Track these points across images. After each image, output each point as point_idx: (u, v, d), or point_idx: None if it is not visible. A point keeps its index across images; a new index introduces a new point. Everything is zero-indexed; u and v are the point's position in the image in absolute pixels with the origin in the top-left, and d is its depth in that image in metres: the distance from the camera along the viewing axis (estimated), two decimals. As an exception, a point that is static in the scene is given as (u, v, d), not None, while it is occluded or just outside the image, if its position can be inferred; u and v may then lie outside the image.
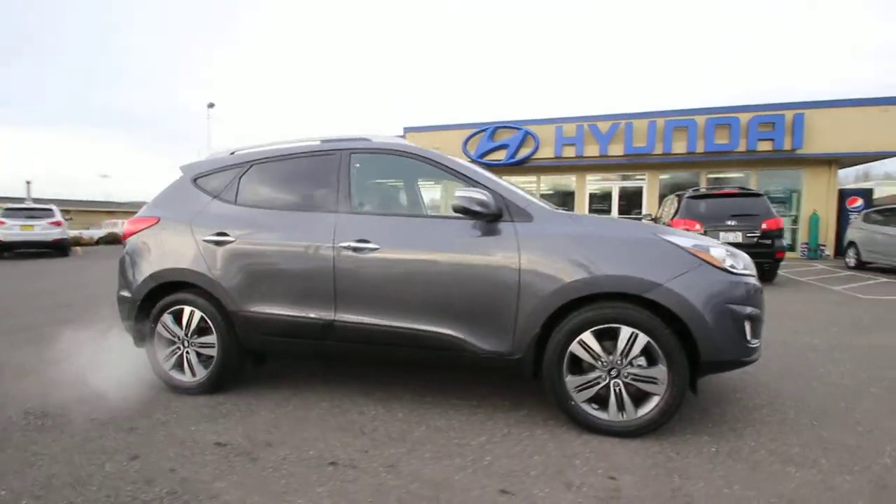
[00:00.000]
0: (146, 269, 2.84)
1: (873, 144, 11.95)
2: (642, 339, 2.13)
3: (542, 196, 14.51)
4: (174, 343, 2.79)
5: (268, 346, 2.73)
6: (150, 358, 2.84)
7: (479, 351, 2.33)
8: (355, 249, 2.49)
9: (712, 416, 2.43)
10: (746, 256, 2.35)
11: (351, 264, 2.50)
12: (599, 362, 2.19)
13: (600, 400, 2.22)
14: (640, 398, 2.19)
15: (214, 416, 2.45)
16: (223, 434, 2.25)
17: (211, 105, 28.53)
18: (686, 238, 2.26)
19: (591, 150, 13.97)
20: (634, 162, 13.83)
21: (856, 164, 15.30)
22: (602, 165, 14.35)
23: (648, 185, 14.58)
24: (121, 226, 22.34)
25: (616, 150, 13.72)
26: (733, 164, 13.34)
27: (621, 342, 2.16)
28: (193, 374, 2.76)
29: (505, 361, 2.32)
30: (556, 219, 2.36)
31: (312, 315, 2.56)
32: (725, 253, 2.22)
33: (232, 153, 3.09)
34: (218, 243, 2.72)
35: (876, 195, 16.10)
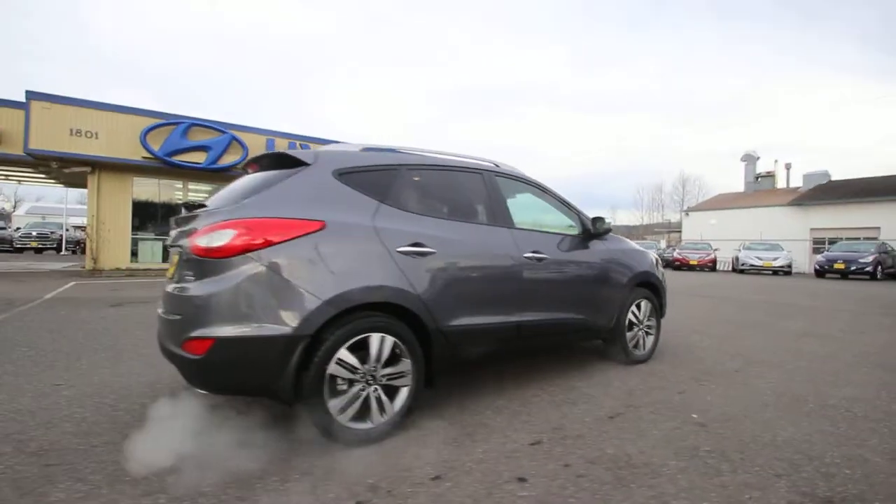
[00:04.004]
0: (321, 290, 2.06)
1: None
2: (648, 304, 3.84)
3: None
4: (355, 383, 2.18)
5: (460, 360, 2.62)
6: (318, 414, 2.07)
7: (595, 327, 3.38)
8: (532, 259, 2.94)
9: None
10: None
11: (530, 272, 2.93)
12: (638, 322, 3.73)
13: (636, 345, 3.75)
14: (645, 340, 3.87)
15: (458, 456, 2.29)
16: (521, 463, 2.29)
17: None
18: (647, 249, 4.15)
19: (302, 169, 14.41)
20: (340, 185, 15.29)
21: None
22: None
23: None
24: None
25: (325, 171, 14.78)
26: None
27: (644, 309, 3.79)
28: (383, 414, 2.26)
29: (604, 331, 3.47)
30: (614, 238, 3.70)
31: (506, 319, 2.78)
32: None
33: (364, 149, 2.59)
34: (416, 255, 2.40)
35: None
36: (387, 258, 2.30)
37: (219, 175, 13.45)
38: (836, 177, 30.35)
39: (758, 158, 37.75)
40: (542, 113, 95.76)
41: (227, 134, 13.18)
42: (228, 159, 13.21)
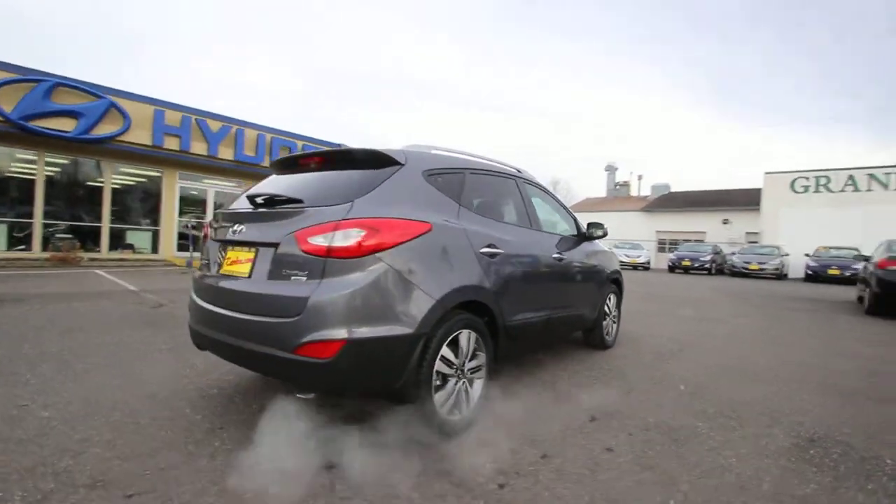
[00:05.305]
0: (434, 289, 2.12)
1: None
2: (615, 297, 4.50)
3: (117, 191, 11.84)
4: (450, 378, 2.30)
5: (512, 354, 2.84)
6: (427, 410, 2.15)
7: (587, 319, 3.88)
8: (556, 259, 3.30)
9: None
10: None
11: (556, 271, 3.28)
12: (609, 313, 4.35)
13: (607, 333, 4.37)
14: (612, 328, 4.53)
15: (543, 437, 2.56)
16: (596, 437, 2.62)
17: None
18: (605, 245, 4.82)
19: (199, 148, 12.86)
20: (243, 169, 13.98)
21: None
22: (209, 167, 13.42)
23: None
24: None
25: (227, 153, 13.38)
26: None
27: (613, 301, 4.43)
28: (468, 406, 2.41)
29: (591, 322, 4.00)
30: (594, 241, 4.23)
31: (543, 314, 3.09)
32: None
33: (434, 151, 2.65)
34: (490, 256, 2.56)
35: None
36: (473, 259, 2.43)
37: (91, 147, 11.36)
38: (674, 189, 36.77)
39: (617, 169, 43.90)
40: (425, 107, 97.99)
41: (105, 99, 11.17)
42: (105, 129, 11.24)
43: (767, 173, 22.72)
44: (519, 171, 3.48)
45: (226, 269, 2.32)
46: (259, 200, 2.28)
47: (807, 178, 21.31)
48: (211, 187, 14.31)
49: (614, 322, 4.51)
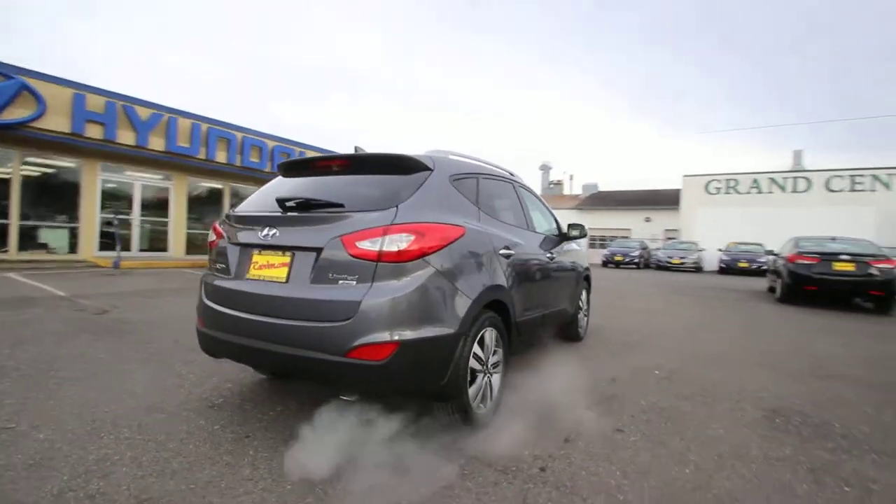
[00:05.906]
0: (471, 290, 2.24)
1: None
2: (586, 292, 4.87)
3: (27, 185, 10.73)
4: (478, 374, 2.43)
5: (517, 349, 3.01)
6: (464, 405, 2.27)
7: (568, 314, 4.18)
8: (549, 258, 3.53)
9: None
10: None
11: (549, 269, 3.51)
12: (581, 307, 4.69)
13: (580, 326, 4.70)
14: (584, 321, 4.89)
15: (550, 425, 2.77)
16: (603, 420, 2.86)
17: None
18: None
19: (127, 137, 11.73)
20: (177, 161, 12.95)
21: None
22: (138, 158, 12.26)
23: (176, 187, 13.96)
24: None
25: (157, 143, 12.33)
26: (259, 180, 15.55)
27: (585, 296, 4.79)
28: (492, 398, 2.56)
29: (570, 316, 4.30)
30: (571, 240, 4.54)
31: (542, 312, 3.30)
32: None
33: (451, 157, 2.74)
34: (505, 257, 2.71)
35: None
36: (496, 260, 2.58)
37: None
38: (602, 188, 39.29)
39: (551, 168, 46.12)
40: (360, 100, 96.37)
41: (16, 80, 9.85)
42: (16, 114, 9.93)
43: (686, 176, 25.05)
44: (512, 175, 3.66)
45: (254, 273, 2.26)
46: (291, 204, 2.25)
47: (719, 181, 23.81)
48: (137, 180, 13.12)
49: (585, 316, 4.87)
